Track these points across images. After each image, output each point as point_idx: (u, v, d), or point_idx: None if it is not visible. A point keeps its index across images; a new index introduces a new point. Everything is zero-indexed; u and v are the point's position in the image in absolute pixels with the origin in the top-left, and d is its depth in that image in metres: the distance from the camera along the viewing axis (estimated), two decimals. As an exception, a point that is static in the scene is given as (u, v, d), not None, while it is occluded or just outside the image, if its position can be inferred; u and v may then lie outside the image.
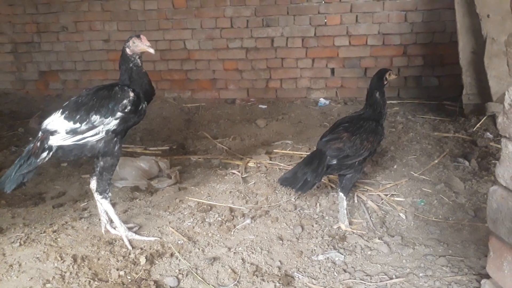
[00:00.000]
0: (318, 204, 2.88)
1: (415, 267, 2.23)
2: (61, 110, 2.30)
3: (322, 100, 5.27)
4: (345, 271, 2.22)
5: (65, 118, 2.26)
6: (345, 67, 5.31)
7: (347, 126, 2.58)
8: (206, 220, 2.73)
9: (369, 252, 2.38)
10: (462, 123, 4.21)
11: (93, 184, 2.46)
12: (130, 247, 2.39)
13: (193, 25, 5.43)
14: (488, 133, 3.88)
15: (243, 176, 3.33)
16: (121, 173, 3.17)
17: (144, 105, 2.40)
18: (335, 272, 2.21)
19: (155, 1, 5.42)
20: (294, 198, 2.96)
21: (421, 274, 2.17)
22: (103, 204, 2.45)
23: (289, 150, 3.81)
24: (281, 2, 5.22)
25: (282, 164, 3.50)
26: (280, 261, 2.31)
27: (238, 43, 5.43)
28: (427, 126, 4.28)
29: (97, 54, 5.74)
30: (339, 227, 2.60)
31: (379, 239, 2.49)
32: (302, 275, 2.19)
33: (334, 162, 2.47)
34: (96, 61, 5.77)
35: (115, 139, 2.35)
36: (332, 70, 5.36)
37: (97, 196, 2.44)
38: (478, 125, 4.06)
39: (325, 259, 2.31)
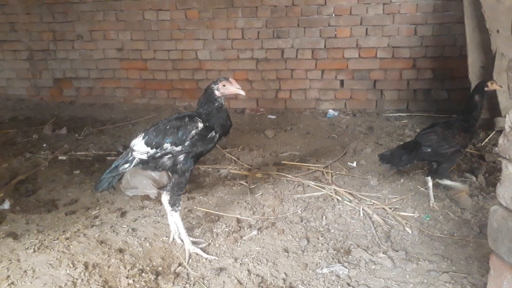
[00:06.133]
0: (324, 217, 2.92)
1: (418, 283, 2.25)
2: (143, 134, 2.52)
3: (331, 111, 5.32)
4: (348, 285, 2.26)
5: (145, 143, 2.47)
6: (355, 79, 5.36)
7: (442, 124, 3.09)
8: (214, 230, 2.79)
9: (373, 267, 2.41)
10: (470, 138, 4.21)
11: (164, 197, 2.59)
12: (187, 259, 2.48)
13: (205, 35, 5.54)
14: (496, 148, 3.87)
15: (250, 187, 3.39)
16: (132, 181, 3.23)
17: (213, 134, 2.47)
18: (338, 286, 2.25)
19: (168, 12, 5.56)
20: (301, 211, 3.00)
21: (424, 290, 2.19)
22: (173, 216, 2.57)
23: (296, 162, 3.86)
24: (292, 14, 5.30)
25: (289, 176, 3.55)
26: (285, 273, 2.36)
27: (248, 54, 5.52)
28: (435, 140, 4.28)
29: (110, 62, 5.88)
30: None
31: (383, 253, 2.52)
32: (306, 288, 2.23)
33: (429, 150, 2.97)
34: (109, 69, 5.91)
35: (185, 160, 2.47)
36: (342, 82, 5.41)
37: (167, 208, 2.56)
38: (486, 140, 4.08)
39: (329, 272, 2.35)
